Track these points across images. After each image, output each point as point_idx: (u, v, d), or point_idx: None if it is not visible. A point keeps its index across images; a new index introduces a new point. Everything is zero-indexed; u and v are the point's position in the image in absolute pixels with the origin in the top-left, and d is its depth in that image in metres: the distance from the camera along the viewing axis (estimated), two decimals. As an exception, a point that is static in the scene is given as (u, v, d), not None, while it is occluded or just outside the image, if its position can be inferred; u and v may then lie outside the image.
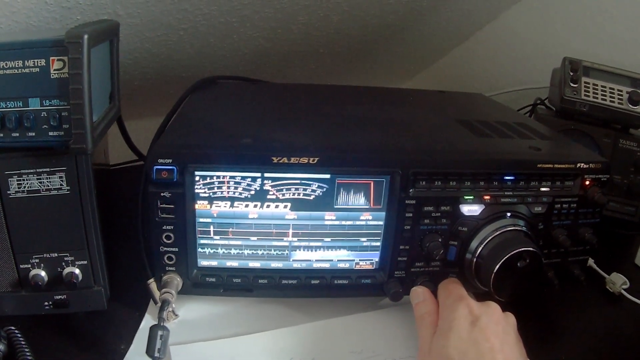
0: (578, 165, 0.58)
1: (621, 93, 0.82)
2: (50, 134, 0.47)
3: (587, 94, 0.82)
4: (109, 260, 0.57)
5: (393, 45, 1.18)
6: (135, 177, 0.59)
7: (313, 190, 0.54)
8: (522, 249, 0.53)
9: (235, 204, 0.54)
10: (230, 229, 0.55)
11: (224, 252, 0.56)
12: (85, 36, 0.44)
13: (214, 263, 0.57)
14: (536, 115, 0.90)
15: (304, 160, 0.52)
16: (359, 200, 0.55)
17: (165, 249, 0.54)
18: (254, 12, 0.85)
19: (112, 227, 0.65)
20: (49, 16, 0.67)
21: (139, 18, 0.76)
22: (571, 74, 0.83)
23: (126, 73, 0.88)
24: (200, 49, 0.91)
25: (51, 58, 0.45)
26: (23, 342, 0.50)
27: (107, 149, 0.68)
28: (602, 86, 0.83)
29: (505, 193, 0.56)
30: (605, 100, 0.82)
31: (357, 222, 0.56)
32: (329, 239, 0.57)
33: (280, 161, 0.52)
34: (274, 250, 0.56)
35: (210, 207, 0.54)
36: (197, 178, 0.52)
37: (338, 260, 0.58)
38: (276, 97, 0.83)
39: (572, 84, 0.83)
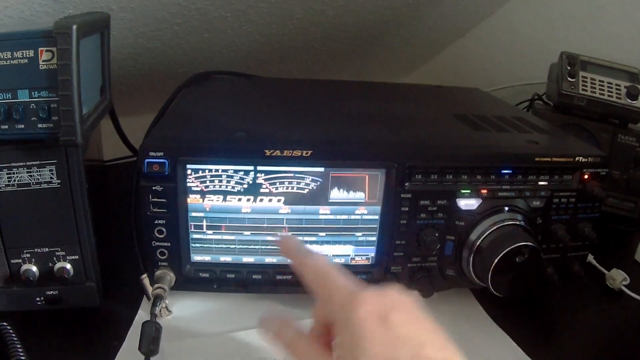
0: (577, 158, 0.57)
1: (619, 87, 0.81)
2: (40, 126, 0.46)
3: (585, 88, 0.82)
4: (102, 256, 0.56)
5: (389, 40, 1.17)
6: (130, 173, 0.59)
7: (307, 184, 0.53)
8: (521, 243, 0.52)
9: (228, 197, 0.53)
10: (224, 224, 0.54)
11: (217, 247, 0.55)
12: (74, 27, 0.43)
13: (207, 258, 0.56)
14: (534, 111, 0.89)
15: (297, 153, 0.51)
16: (354, 194, 0.54)
17: (157, 243, 0.54)
18: (248, 7, 0.84)
19: (107, 223, 0.64)
20: (42, 10, 0.67)
21: (132, 12, 0.75)
22: (569, 68, 0.83)
23: (120, 68, 0.87)
24: (194, 44, 0.90)
25: (40, 49, 0.44)
26: (15, 338, 0.49)
27: (101, 144, 0.68)
28: (600, 81, 0.82)
29: (503, 187, 0.56)
30: (603, 94, 0.81)
31: (352, 217, 0.55)
32: (323, 234, 0.56)
33: (273, 154, 0.51)
34: (268, 245, 0.56)
35: (203, 201, 0.53)
36: (188, 171, 0.52)
37: (333, 256, 0.57)
38: (271, 91, 0.82)
39: (569, 79, 0.82)
